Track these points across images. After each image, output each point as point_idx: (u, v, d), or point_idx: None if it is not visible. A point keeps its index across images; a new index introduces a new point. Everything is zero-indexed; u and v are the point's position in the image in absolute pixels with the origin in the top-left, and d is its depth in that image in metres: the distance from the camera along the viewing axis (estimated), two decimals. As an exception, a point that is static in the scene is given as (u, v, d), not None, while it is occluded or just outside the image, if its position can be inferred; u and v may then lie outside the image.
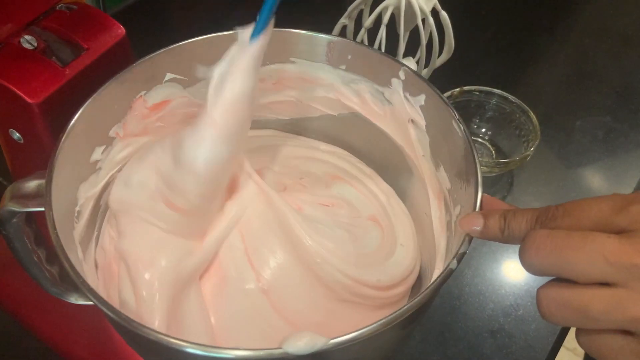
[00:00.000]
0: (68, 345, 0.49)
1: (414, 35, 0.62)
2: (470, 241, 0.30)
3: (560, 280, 0.26)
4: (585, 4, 0.90)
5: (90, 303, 0.40)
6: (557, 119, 0.71)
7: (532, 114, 0.62)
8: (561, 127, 0.70)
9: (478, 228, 0.30)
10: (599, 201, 0.26)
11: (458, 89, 0.65)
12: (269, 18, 0.32)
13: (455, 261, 0.29)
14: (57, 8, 0.38)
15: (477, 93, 0.66)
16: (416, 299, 0.28)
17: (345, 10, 0.64)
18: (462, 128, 0.36)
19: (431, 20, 0.60)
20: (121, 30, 0.39)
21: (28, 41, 0.37)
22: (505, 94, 0.64)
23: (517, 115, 0.64)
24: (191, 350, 0.27)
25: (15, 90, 0.34)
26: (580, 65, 0.80)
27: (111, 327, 0.46)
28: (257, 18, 0.32)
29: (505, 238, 0.29)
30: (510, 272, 0.57)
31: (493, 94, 0.65)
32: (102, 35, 0.38)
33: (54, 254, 0.39)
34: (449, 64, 0.65)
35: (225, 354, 0.27)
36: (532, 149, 0.60)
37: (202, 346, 0.27)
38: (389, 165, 0.46)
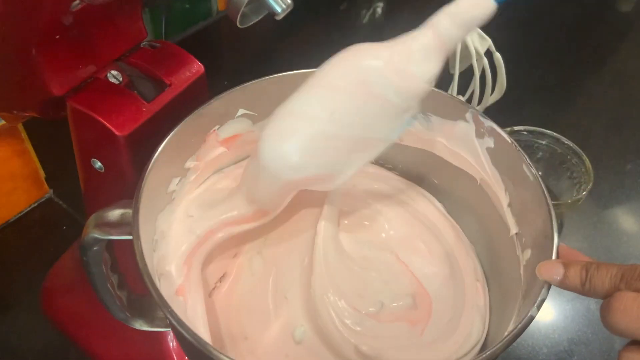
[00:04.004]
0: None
1: (462, 75, 0.63)
2: (549, 287, 0.30)
3: None
4: (633, 47, 0.91)
5: (158, 329, 0.41)
6: (606, 162, 0.70)
7: (585, 157, 0.62)
8: (611, 170, 0.70)
9: (558, 277, 0.30)
10: None
11: (508, 129, 0.65)
12: None
13: (535, 308, 0.29)
14: (142, 45, 0.40)
15: (525, 133, 0.66)
16: (496, 347, 0.28)
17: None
18: (534, 173, 0.36)
19: (485, 60, 0.61)
20: (200, 67, 0.40)
21: (114, 76, 0.39)
22: (557, 135, 0.64)
23: (569, 158, 0.64)
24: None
25: (105, 122, 0.35)
26: (628, 108, 0.80)
27: (168, 352, 0.47)
28: None
29: (585, 291, 0.29)
30: (563, 316, 0.56)
31: (544, 134, 0.65)
32: (183, 72, 0.40)
33: (125, 281, 0.40)
34: (495, 103, 0.65)
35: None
36: (584, 193, 0.60)
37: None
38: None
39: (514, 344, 0.54)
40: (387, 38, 0.32)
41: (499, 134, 0.39)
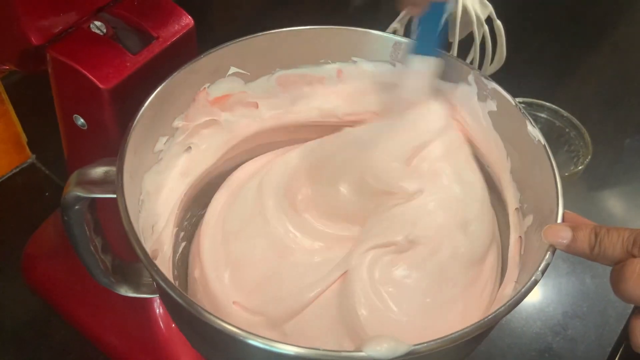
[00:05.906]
0: (107, 337, 0.48)
1: (460, 44, 0.61)
2: (554, 252, 0.29)
3: None
4: (633, 21, 0.89)
5: (144, 296, 0.39)
6: (604, 136, 0.69)
7: (585, 130, 0.61)
8: (609, 144, 0.69)
9: (565, 241, 0.28)
10: None
11: (507, 101, 0.63)
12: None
13: (539, 273, 0.28)
14: (127, -5, 0.38)
15: (523, 106, 0.64)
16: (500, 309, 0.27)
17: (397, 15, 0.63)
18: (539, 136, 0.35)
19: (486, 27, 0.59)
20: (189, 20, 0.38)
21: (97, 27, 0.36)
22: (556, 107, 0.63)
23: (567, 131, 0.62)
24: (255, 343, 0.26)
25: (87, 74, 0.33)
26: (628, 82, 0.78)
27: (154, 320, 0.45)
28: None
29: (594, 256, 0.28)
30: (558, 290, 0.55)
31: (543, 107, 0.63)
32: (172, 25, 0.37)
33: (109, 244, 0.38)
34: (493, 74, 0.64)
35: (292, 351, 0.25)
36: (581, 167, 0.58)
37: (269, 340, 0.26)
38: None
39: (508, 316, 0.53)
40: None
41: (503, 96, 0.37)
